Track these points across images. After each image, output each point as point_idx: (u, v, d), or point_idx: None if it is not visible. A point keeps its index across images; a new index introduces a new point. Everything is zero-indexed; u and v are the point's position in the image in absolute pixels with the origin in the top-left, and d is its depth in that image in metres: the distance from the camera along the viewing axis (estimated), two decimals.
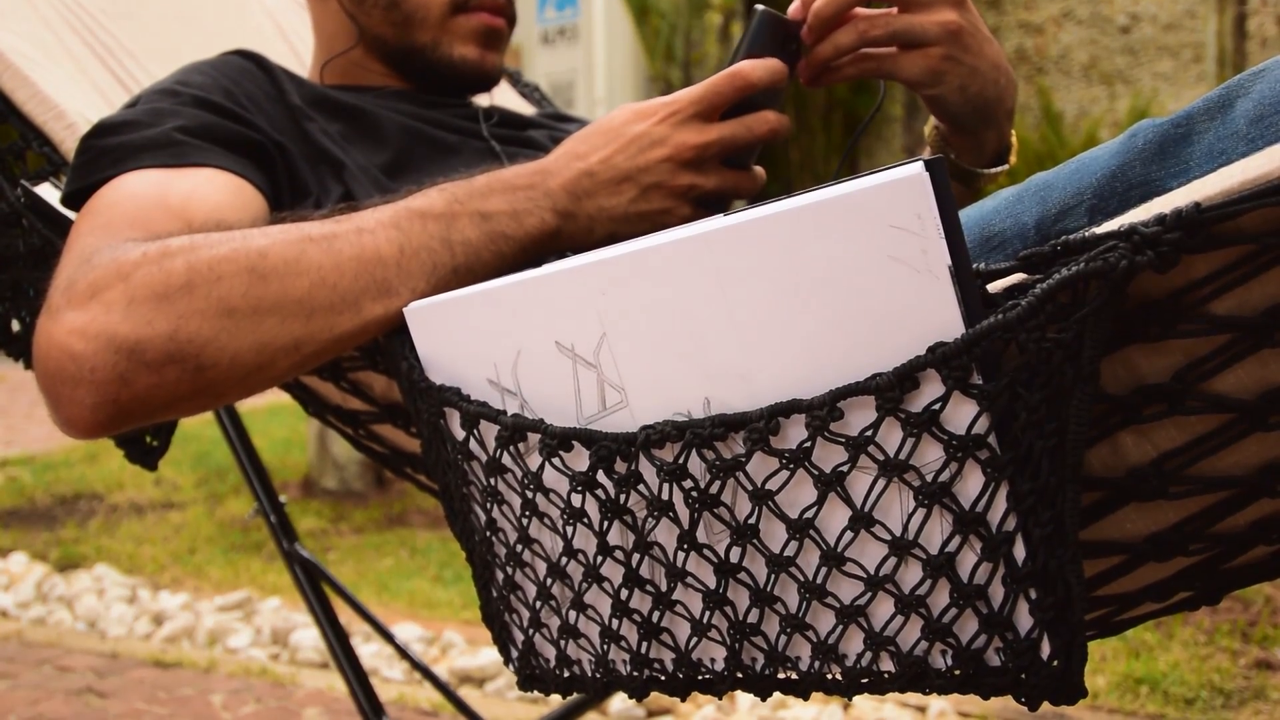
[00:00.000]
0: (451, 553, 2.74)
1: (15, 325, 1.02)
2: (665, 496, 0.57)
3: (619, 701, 1.83)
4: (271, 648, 2.21)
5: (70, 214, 0.86)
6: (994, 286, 0.51)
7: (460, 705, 1.33)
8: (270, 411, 4.45)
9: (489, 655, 2.02)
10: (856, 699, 1.79)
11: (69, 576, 2.67)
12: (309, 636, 2.17)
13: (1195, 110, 0.57)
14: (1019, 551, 0.50)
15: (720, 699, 0.61)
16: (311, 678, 2.04)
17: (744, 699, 1.84)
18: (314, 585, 1.27)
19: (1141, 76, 5.90)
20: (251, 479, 1.32)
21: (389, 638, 1.36)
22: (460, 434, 0.64)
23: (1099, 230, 0.48)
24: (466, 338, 0.64)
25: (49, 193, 0.90)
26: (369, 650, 2.10)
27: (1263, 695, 1.78)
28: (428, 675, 1.32)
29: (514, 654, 0.69)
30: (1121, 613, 0.64)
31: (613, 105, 6.07)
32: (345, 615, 1.42)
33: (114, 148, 0.81)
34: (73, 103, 1.01)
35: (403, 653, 1.35)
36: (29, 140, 0.97)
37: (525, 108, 1.44)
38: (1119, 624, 0.66)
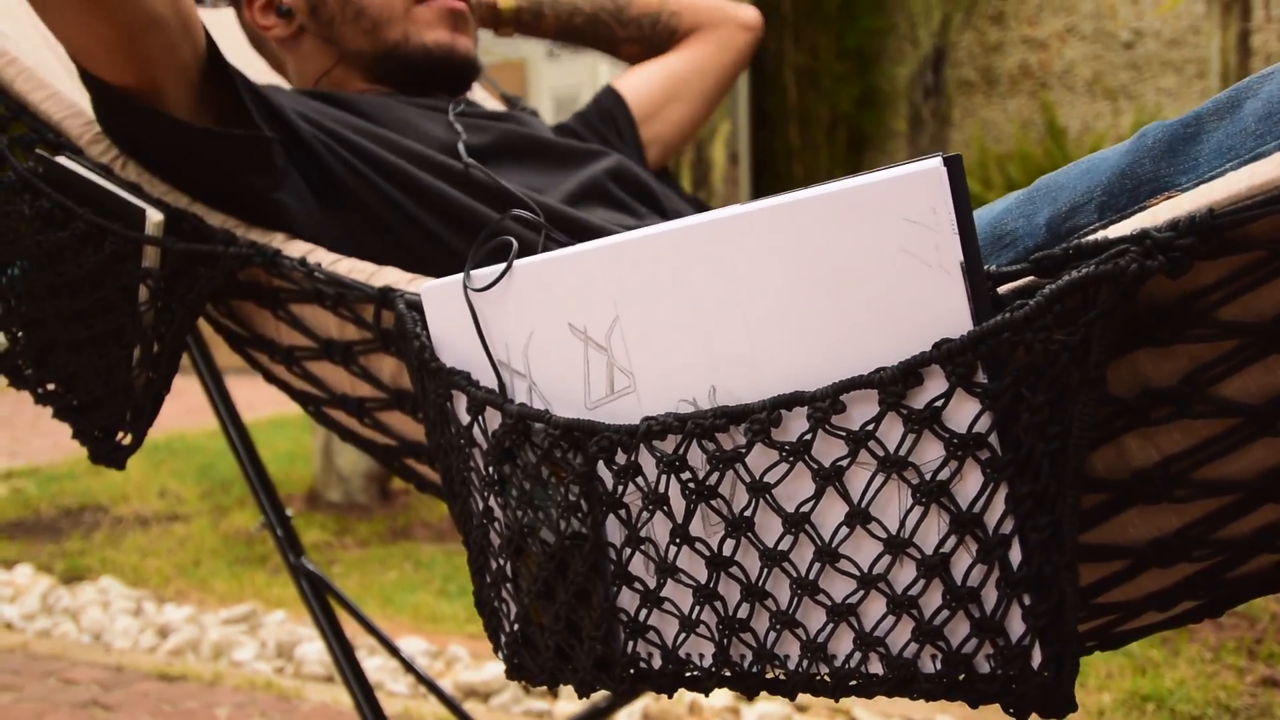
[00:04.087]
0: (456, 566, 2.74)
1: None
2: (663, 489, 0.57)
3: (623, 717, 1.82)
4: (276, 661, 2.21)
5: (95, 177, 0.87)
6: (1005, 289, 0.51)
7: (465, 719, 1.32)
8: (274, 424, 4.45)
9: (494, 669, 2.02)
10: (861, 713, 1.78)
11: (74, 589, 2.67)
12: (314, 650, 2.17)
13: (1204, 111, 0.57)
14: (1015, 555, 0.49)
15: (706, 695, 0.60)
16: (316, 691, 2.03)
17: (750, 713, 1.83)
18: (320, 599, 1.27)
19: (1145, 92, 5.91)
20: (258, 492, 1.32)
21: (394, 651, 1.36)
22: (465, 419, 0.65)
23: (1111, 232, 0.48)
24: (480, 318, 0.65)
25: (66, 163, 0.91)
26: (374, 664, 2.09)
27: (1269, 713, 1.76)
28: (433, 689, 1.32)
29: (503, 641, 0.69)
30: (1123, 622, 0.64)
31: None
32: (350, 628, 1.42)
33: None
34: (55, 78, 1.02)
35: (408, 666, 1.35)
36: (16, 114, 0.98)
37: None
38: (1121, 635, 0.65)
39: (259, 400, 3.27)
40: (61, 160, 0.91)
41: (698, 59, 1.32)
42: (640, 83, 1.30)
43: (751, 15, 1.35)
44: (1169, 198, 0.53)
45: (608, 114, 1.27)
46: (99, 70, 0.90)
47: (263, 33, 1.13)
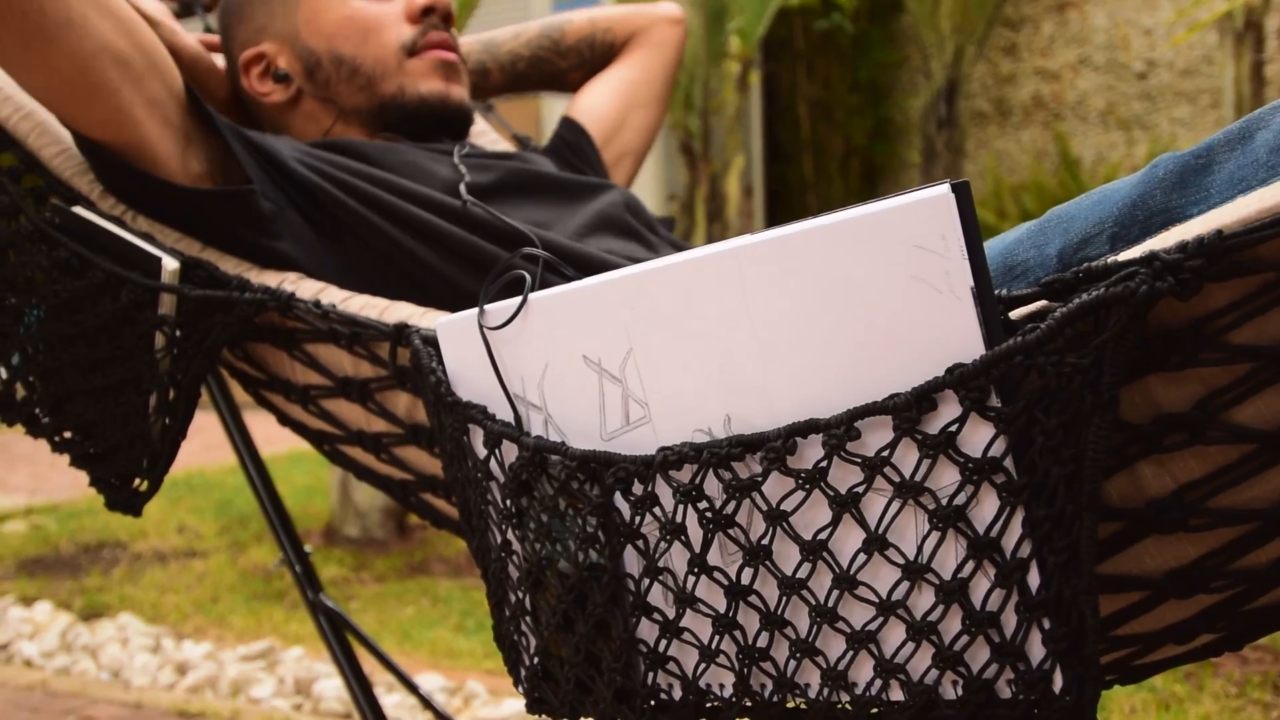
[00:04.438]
0: (473, 601, 2.73)
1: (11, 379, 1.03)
2: (680, 519, 0.57)
3: None
4: (295, 698, 2.20)
5: (110, 226, 0.89)
6: (1016, 314, 0.51)
7: None
8: (292, 459, 4.46)
9: (512, 706, 2.01)
10: None
11: (93, 626, 2.67)
12: (332, 686, 2.16)
13: (1215, 142, 0.57)
14: (1033, 579, 0.49)
15: None
16: None
17: None
18: (338, 635, 1.27)
19: (1159, 122, 5.92)
20: (277, 528, 1.32)
21: (413, 688, 1.36)
22: (482, 452, 0.65)
23: (1120, 255, 0.49)
24: (494, 352, 0.65)
25: (81, 214, 0.92)
26: (392, 701, 2.09)
27: None
28: None
29: (523, 675, 0.69)
30: (1143, 655, 0.63)
31: None
32: (368, 665, 1.42)
33: None
34: (67, 132, 1.05)
35: (427, 703, 1.35)
36: (30, 167, 1.00)
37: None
38: (1141, 669, 0.64)
39: (276, 435, 3.28)
40: (78, 210, 0.92)
41: (642, 65, 1.37)
42: (595, 104, 1.33)
43: (675, 9, 1.40)
44: None
45: (576, 147, 1.29)
46: (75, 120, 0.94)
47: (261, 99, 1.15)
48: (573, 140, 1.29)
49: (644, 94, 1.36)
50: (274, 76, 1.14)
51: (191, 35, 1.19)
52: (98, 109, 0.92)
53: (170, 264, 0.87)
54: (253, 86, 1.15)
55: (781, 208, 6.82)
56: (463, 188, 1.02)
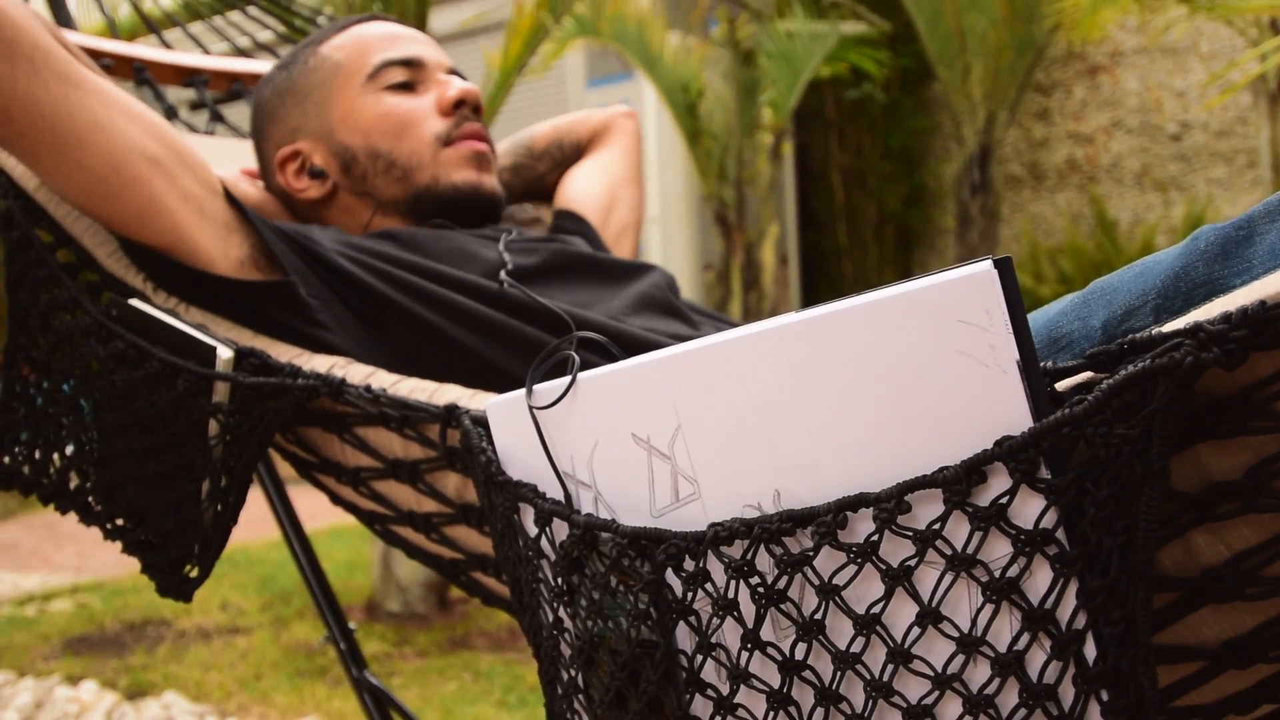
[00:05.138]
0: (515, 676, 2.72)
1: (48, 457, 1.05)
2: (732, 594, 0.57)
3: None
4: None
5: (166, 318, 0.91)
6: (1062, 385, 0.52)
7: None
8: (333, 534, 4.48)
9: None
10: None
11: (138, 705, 2.68)
12: None
13: (1256, 214, 0.58)
14: (1090, 651, 0.49)
15: None
16: None
17: None
18: (382, 712, 1.27)
19: (1196, 183, 5.91)
20: (321, 605, 1.33)
21: None
22: (533, 530, 0.66)
23: (1165, 328, 0.49)
24: (544, 431, 0.66)
25: (138, 306, 0.95)
26: None
27: None
28: None
29: None
30: None
31: (667, 225, 6.18)
32: None
33: None
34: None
35: None
36: (86, 263, 1.03)
37: None
38: None
39: (319, 510, 3.30)
40: (134, 303, 0.95)
41: (613, 150, 1.45)
42: (583, 190, 1.39)
43: (623, 107, 1.51)
44: None
45: (581, 235, 1.32)
46: (113, 218, 0.97)
47: (297, 195, 1.19)
48: (575, 229, 1.32)
49: (623, 172, 1.43)
50: (310, 173, 1.18)
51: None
52: (133, 201, 0.95)
53: (224, 352, 0.90)
54: (288, 183, 1.18)
55: (817, 275, 6.84)
56: (503, 273, 1.05)
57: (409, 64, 1.18)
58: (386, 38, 1.20)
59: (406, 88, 1.17)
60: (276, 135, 1.19)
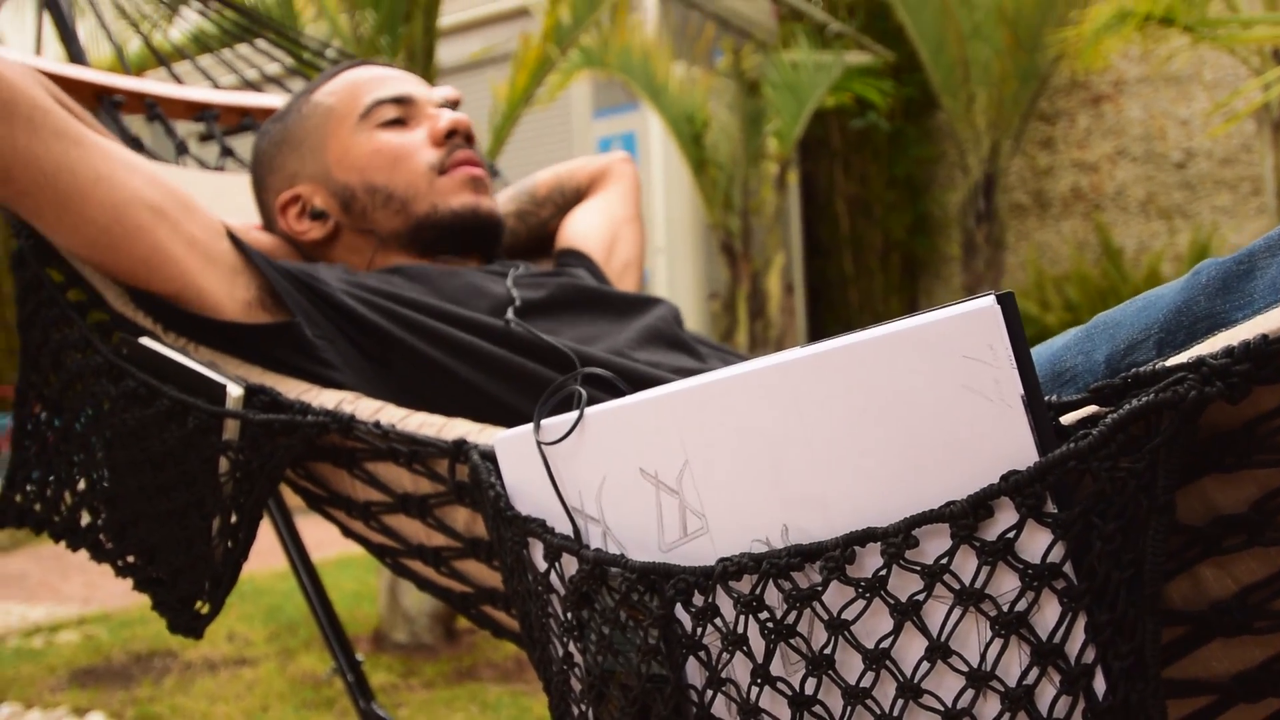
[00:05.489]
0: (523, 708, 2.71)
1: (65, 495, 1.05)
2: (741, 629, 0.57)
3: None
4: None
5: (176, 356, 0.92)
6: (1067, 419, 0.52)
7: None
8: (340, 564, 4.47)
9: None
10: None
11: None
12: None
13: (1256, 248, 0.58)
14: (1099, 685, 0.49)
15: None
16: None
17: None
18: None
19: (1201, 210, 5.92)
20: (329, 636, 1.33)
21: None
22: (542, 565, 0.66)
23: (1168, 362, 0.49)
24: (552, 466, 0.67)
25: (148, 345, 0.96)
26: None
27: None
28: None
29: None
30: None
31: (673, 254, 6.20)
32: None
33: None
34: None
35: None
36: (95, 303, 1.04)
37: None
38: None
39: (325, 540, 3.30)
40: (144, 341, 0.96)
41: (612, 192, 1.47)
42: (586, 229, 1.41)
43: (621, 152, 1.54)
44: None
45: (586, 271, 1.33)
46: (119, 268, 0.99)
47: (300, 237, 1.20)
48: (579, 265, 1.33)
49: (624, 210, 1.46)
50: (311, 214, 1.19)
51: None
52: (138, 250, 0.96)
53: (234, 390, 0.90)
54: (290, 227, 1.20)
55: (823, 303, 6.85)
56: (510, 311, 1.06)
57: (400, 101, 1.21)
58: (376, 79, 1.23)
59: (398, 123, 1.20)
60: (276, 184, 1.22)
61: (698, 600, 0.59)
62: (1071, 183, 6.29)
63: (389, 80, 1.23)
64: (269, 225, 1.24)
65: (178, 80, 1.62)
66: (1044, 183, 6.36)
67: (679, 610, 0.60)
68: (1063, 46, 4.16)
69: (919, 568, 0.52)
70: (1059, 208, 6.34)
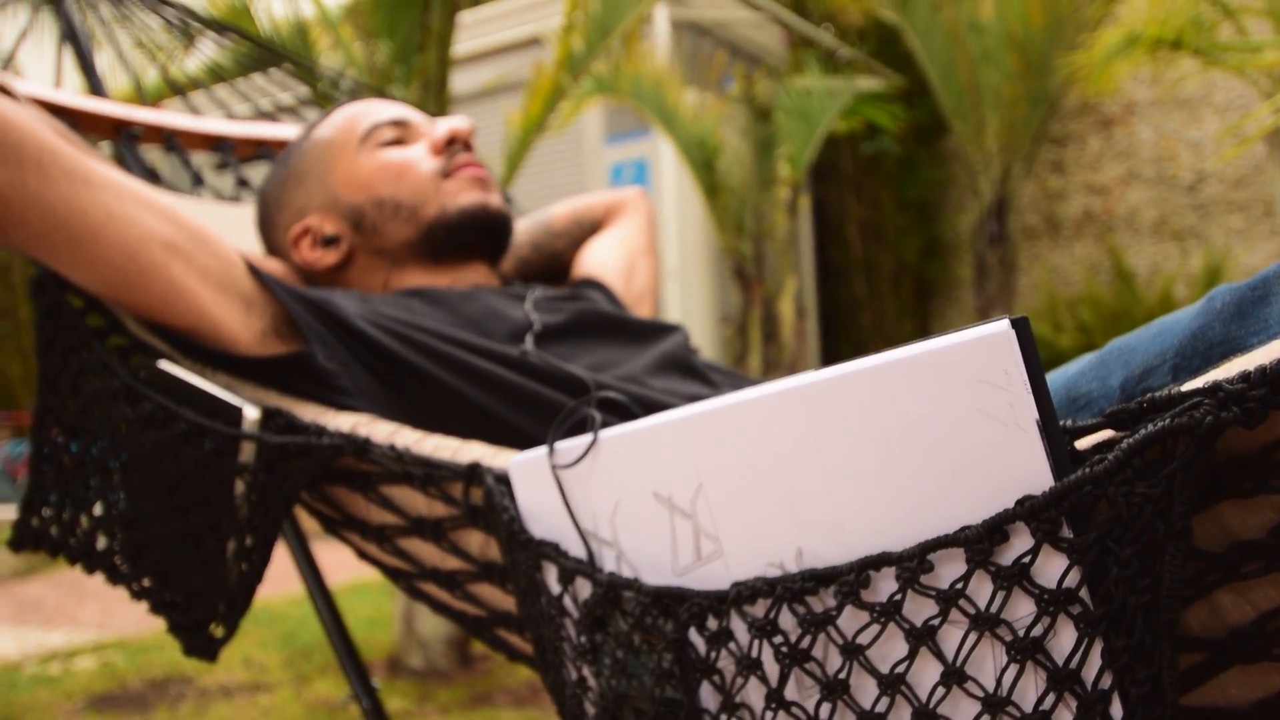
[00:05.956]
0: None
1: (82, 519, 1.06)
2: (755, 653, 0.57)
3: None
4: None
5: (193, 379, 0.93)
6: (1082, 444, 0.52)
7: None
8: (355, 589, 4.47)
9: None
10: None
11: None
12: None
13: (1270, 274, 0.59)
14: (1116, 711, 0.49)
15: None
16: None
17: None
18: None
19: (1213, 232, 5.90)
20: (345, 662, 1.33)
21: None
22: (556, 588, 0.66)
23: (1184, 388, 0.49)
24: (566, 489, 0.67)
25: (166, 368, 0.97)
26: None
27: None
28: None
29: None
30: None
31: (686, 279, 6.20)
32: None
33: None
34: None
35: None
36: (114, 327, 1.05)
37: None
38: None
39: (340, 565, 3.30)
40: (162, 365, 0.96)
41: (628, 224, 1.49)
42: (603, 259, 1.42)
43: (636, 187, 1.56)
44: None
45: (603, 297, 1.34)
46: (136, 305, 0.99)
47: (313, 266, 1.21)
48: (596, 292, 1.34)
49: (639, 242, 1.47)
50: (323, 242, 1.20)
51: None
52: (153, 286, 0.97)
53: (251, 413, 0.91)
54: (304, 257, 1.21)
55: (836, 327, 6.84)
56: (529, 338, 1.06)
57: (397, 123, 1.23)
58: (371, 107, 1.26)
59: (398, 143, 1.22)
60: (284, 220, 1.23)
61: (712, 624, 0.59)
62: (1083, 205, 6.28)
63: (383, 106, 1.26)
64: (282, 260, 1.25)
65: (194, 111, 1.64)
66: (1055, 205, 6.36)
67: (693, 634, 0.60)
68: (1072, 70, 4.17)
69: (934, 592, 0.52)
70: (1071, 230, 6.33)
